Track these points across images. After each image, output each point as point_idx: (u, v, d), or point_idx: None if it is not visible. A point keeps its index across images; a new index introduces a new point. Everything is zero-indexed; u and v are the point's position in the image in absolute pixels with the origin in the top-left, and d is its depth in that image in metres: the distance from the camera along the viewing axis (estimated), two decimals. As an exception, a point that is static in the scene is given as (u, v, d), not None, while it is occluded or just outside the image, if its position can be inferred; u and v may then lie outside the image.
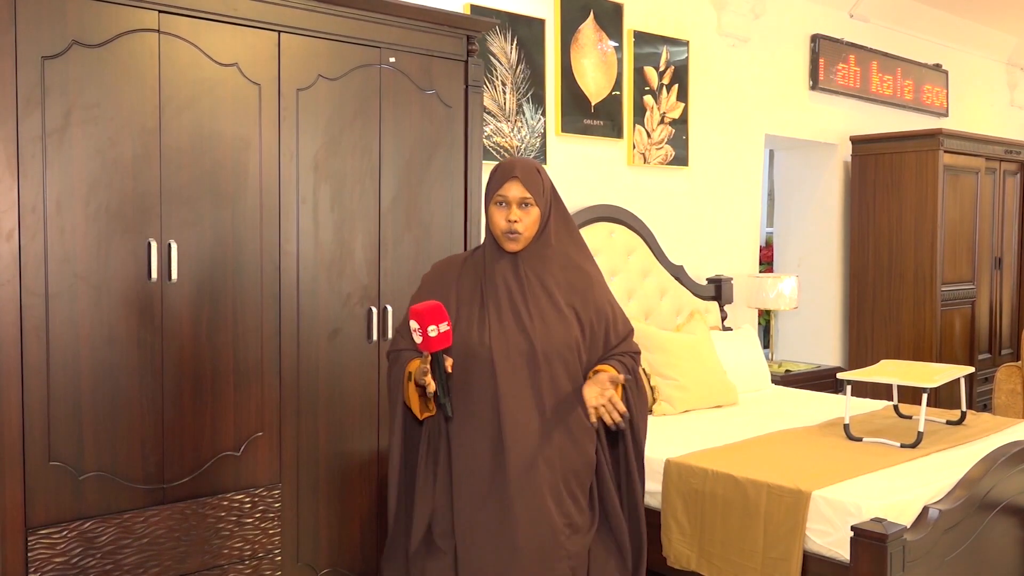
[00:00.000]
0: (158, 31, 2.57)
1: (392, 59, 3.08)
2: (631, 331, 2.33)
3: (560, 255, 2.22)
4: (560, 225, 2.24)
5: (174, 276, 2.61)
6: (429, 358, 2.04)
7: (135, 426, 2.56)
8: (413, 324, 2.02)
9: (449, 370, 2.06)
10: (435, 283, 2.26)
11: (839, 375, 3.86)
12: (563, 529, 2.15)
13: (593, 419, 2.16)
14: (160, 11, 2.57)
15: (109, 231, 2.50)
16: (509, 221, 2.14)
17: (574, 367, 2.18)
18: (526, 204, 2.15)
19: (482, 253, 2.24)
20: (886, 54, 6.51)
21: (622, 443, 2.29)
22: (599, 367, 2.23)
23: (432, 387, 2.04)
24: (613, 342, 2.28)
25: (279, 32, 2.82)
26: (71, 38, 2.42)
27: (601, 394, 2.14)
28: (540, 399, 2.14)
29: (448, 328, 2.03)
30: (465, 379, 2.15)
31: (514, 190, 2.15)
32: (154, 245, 2.57)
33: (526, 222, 2.14)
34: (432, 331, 2.01)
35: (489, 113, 4.14)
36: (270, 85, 2.80)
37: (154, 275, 2.57)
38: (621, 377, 2.18)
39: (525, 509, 2.12)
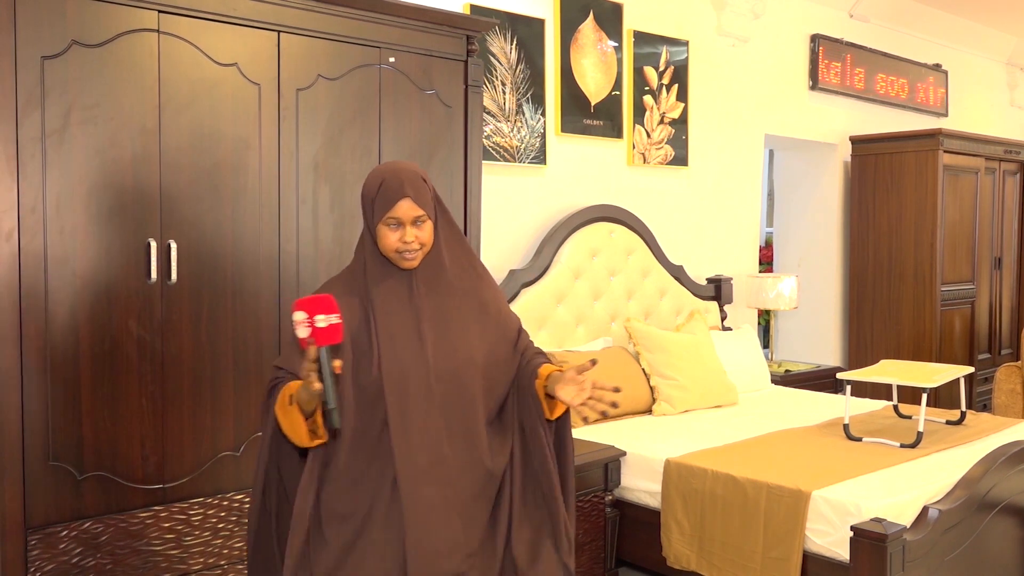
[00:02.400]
0: (158, 31, 2.57)
1: (392, 59, 3.08)
2: (520, 322, 2.18)
3: (453, 262, 2.05)
4: (447, 229, 2.06)
5: (173, 276, 2.61)
6: (315, 353, 1.79)
7: (135, 426, 2.56)
8: (299, 315, 1.79)
9: (337, 371, 1.82)
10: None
11: (839, 375, 3.87)
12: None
13: (586, 417, 1.94)
14: (160, 11, 2.57)
15: (109, 231, 2.50)
16: (404, 242, 1.93)
17: (475, 387, 2.00)
18: (420, 222, 1.95)
19: (362, 274, 1.99)
20: (886, 54, 6.51)
21: (558, 432, 2.09)
22: (541, 370, 2.04)
23: (318, 386, 1.78)
24: (517, 339, 2.12)
25: (279, 32, 2.82)
26: (71, 38, 2.42)
27: (581, 389, 1.90)
28: (440, 431, 1.95)
29: (339, 322, 1.81)
30: (365, 420, 1.94)
31: (406, 209, 1.93)
32: (153, 245, 2.57)
33: (423, 238, 1.96)
34: (321, 321, 1.79)
35: (489, 113, 4.14)
36: (270, 85, 2.80)
37: (153, 275, 2.57)
38: (585, 364, 1.96)
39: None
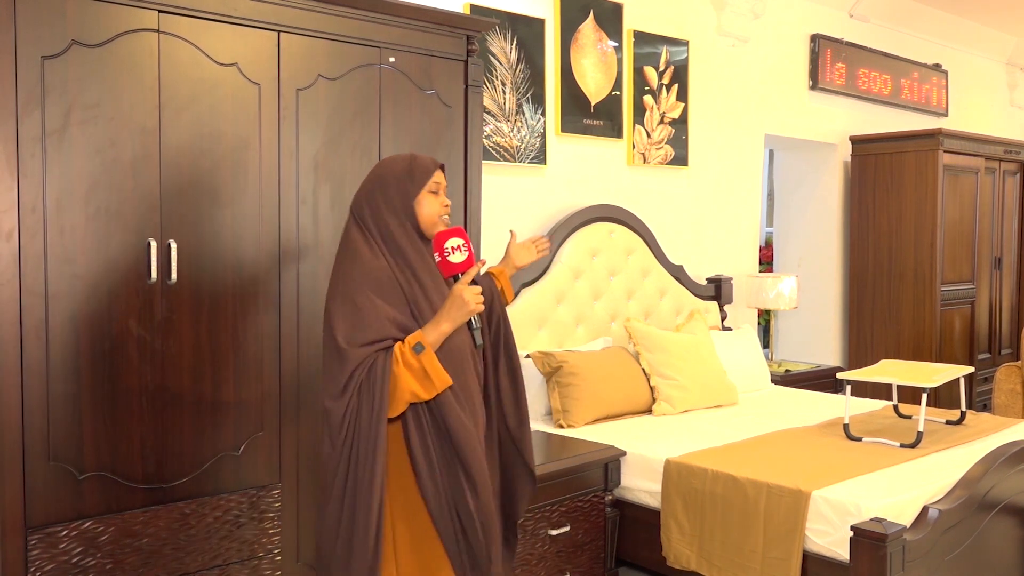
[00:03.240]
0: (158, 31, 2.57)
1: (392, 59, 3.08)
2: None
3: None
4: None
5: (174, 276, 2.61)
6: (472, 277, 2.08)
7: (135, 426, 2.56)
8: (457, 241, 2.06)
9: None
10: (383, 277, 2.09)
11: (839, 375, 3.87)
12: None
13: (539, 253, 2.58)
14: (160, 11, 2.57)
15: (109, 231, 2.50)
16: (445, 206, 2.20)
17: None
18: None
19: (398, 247, 2.13)
20: (886, 54, 6.51)
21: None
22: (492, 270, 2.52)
23: (482, 305, 2.06)
24: None
25: (279, 32, 2.82)
26: (71, 38, 2.42)
27: (529, 249, 2.56)
28: (485, 378, 2.30)
29: None
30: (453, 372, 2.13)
31: (441, 177, 2.21)
32: (154, 245, 2.57)
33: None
34: (472, 247, 2.09)
35: (489, 113, 4.14)
36: (270, 85, 2.80)
37: (154, 275, 2.57)
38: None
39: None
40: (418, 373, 2.00)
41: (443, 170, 2.22)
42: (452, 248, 2.04)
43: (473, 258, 2.08)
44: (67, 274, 2.43)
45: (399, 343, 2.03)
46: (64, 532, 2.44)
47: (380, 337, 2.03)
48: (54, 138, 2.40)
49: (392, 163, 2.21)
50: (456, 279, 2.08)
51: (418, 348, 2.01)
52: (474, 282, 2.10)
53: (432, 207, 2.17)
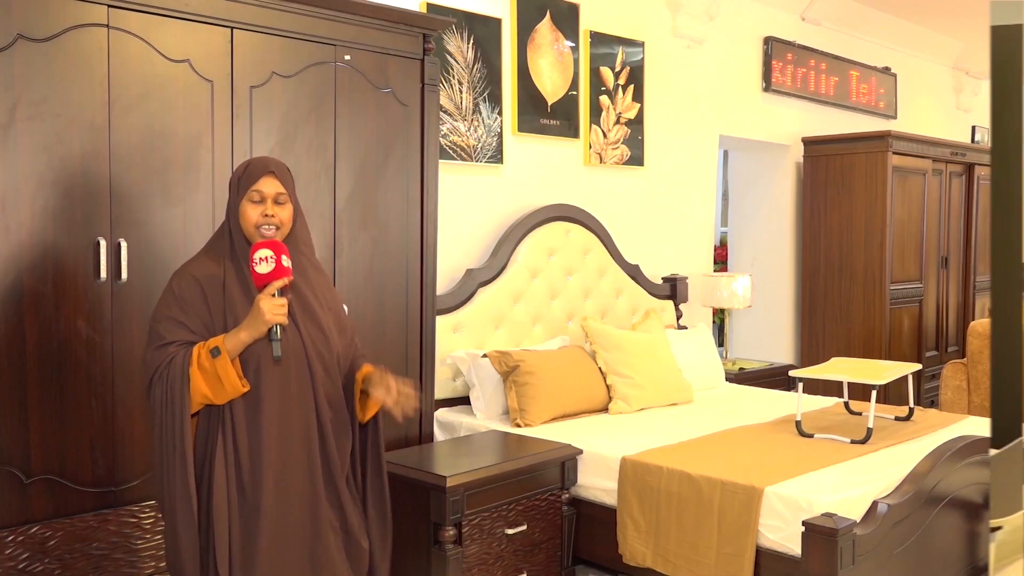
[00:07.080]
0: (107, 26, 2.53)
1: (347, 57, 3.06)
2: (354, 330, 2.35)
3: (309, 254, 2.22)
4: (303, 225, 2.22)
5: (124, 276, 2.56)
6: (287, 292, 2.05)
7: (84, 428, 2.51)
8: (266, 252, 2.01)
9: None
10: (194, 292, 2.10)
11: (791, 373, 3.92)
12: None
13: (398, 415, 2.17)
14: (110, 6, 2.52)
15: (57, 229, 2.45)
16: (265, 216, 2.09)
17: (335, 367, 2.18)
18: (281, 201, 2.12)
19: (229, 254, 2.13)
20: (837, 56, 6.62)
21: (372, 433, 2.29)
22: (362, 371, 2.24)
23: (285, 318, 2.01)
24: (355, 341, 2.30)
25: (232, 28, 2.78)
26: (16, 32, 2.37)
27: (391, 390, 2.15)
28: (316, 400, 2.13)
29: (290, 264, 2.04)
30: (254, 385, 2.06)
31: (269, 185, 2.10)
32: (103, 244, 2.53)
33: (282, 216, 2.12)
34: (285, 260, 2.03)
35: (445, 112, 4.13)
36: (223, 82, 2.77)
37: (103, 274, 2.53)
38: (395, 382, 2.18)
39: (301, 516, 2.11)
40: (210, 376, 1.98)
41: (277, 176, 2.11)
42: (259, 259, 2.01)
43: (281, 271, 2.02)
44: (13, 272, 2.38)
45: (199, 344, 2.01)
46: (11, 537, 2.38)
47: (175, 339, 2.04)
48: (-1, 134, 2.33)
49: (242, 163, 2.18)
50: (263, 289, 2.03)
51: (215, 352, 1.99)
52: (282, 294, 2.03)
53: (249, 216, 2.09)
